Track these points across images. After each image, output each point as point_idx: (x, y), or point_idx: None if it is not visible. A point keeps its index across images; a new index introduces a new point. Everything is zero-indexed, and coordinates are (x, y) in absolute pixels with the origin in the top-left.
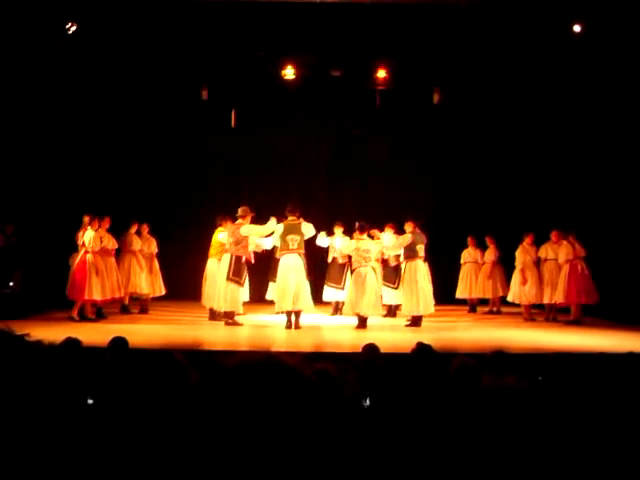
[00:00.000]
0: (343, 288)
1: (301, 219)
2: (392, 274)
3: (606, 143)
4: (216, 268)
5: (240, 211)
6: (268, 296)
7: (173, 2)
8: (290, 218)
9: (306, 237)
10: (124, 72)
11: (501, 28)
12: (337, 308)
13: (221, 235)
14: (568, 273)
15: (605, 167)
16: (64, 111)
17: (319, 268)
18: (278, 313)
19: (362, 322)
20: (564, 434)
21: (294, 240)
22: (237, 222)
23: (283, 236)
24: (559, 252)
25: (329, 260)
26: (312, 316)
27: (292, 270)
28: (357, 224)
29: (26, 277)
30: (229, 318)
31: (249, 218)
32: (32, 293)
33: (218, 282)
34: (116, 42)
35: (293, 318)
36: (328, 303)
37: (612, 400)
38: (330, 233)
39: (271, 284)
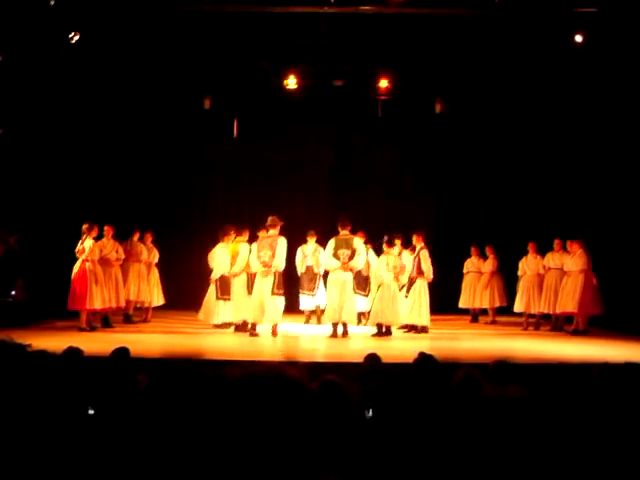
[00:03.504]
0: (315, 295)
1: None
2: (362, 282)
3: (608, 153)
4: (242, 282)
5: (270, 220)
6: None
7: (176, 12)
8: (342, 233)
9: (358, 252)
10: (127, 82)
11: (503, 38)
12: (310, 316)
13: (244, 247)
14: (583, 283)
15: (607, 177)
16: (67, 120)
17: (292, 277)
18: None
19: (387, 330)
20: (565, 442)
21: (345, 254)
22: (270, 233)
23: (334, 251)
24: (575, 261)
25: (302, 270)
26: (308, 327)
27: (339, 285)
28: (385, 237)
29: (28, 286)
30: (253, 329)
31: (279, 227)
32: (34, 302)
33: (258, 296)
34: (119, 52)
35: (340, 328)
36: (302, 312)
37: (612, 409)
38: (303, 242)
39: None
